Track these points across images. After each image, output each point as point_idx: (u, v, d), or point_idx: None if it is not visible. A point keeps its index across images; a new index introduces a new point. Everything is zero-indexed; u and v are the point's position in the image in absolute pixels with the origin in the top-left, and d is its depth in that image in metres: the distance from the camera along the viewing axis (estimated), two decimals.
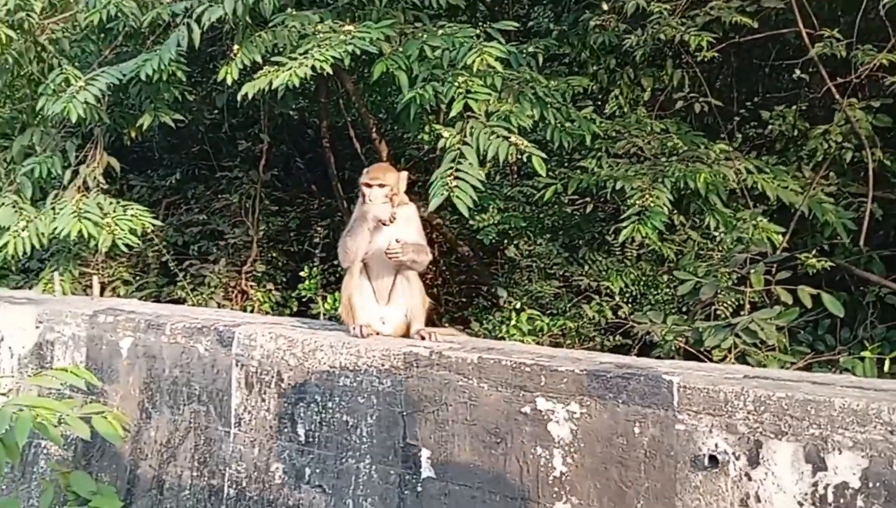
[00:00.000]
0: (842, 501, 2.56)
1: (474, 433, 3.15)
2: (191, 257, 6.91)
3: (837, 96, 5.19)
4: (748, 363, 4.66)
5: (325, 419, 3.48)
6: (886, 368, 4.62)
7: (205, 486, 3.77)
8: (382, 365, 3.36)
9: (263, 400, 3.65)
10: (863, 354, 4.63)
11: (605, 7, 5.73)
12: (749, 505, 2.70)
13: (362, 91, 7.03)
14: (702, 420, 2.79)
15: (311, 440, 3.52)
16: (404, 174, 3.75)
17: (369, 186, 3.66)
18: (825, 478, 2.59)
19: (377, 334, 3.59)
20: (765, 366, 4.62)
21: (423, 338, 3.50)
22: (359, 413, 3.40)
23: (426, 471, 3.24)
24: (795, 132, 5.82)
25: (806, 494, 2.61)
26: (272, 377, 3.64)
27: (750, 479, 2.69)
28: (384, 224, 3.58)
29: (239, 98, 5.31)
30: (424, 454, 3.25)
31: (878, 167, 5.29)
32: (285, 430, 3.58)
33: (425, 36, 5.02)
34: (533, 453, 3.04)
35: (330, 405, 3.48)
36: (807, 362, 4.78)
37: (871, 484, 2.52)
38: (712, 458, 2.76)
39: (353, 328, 3.59)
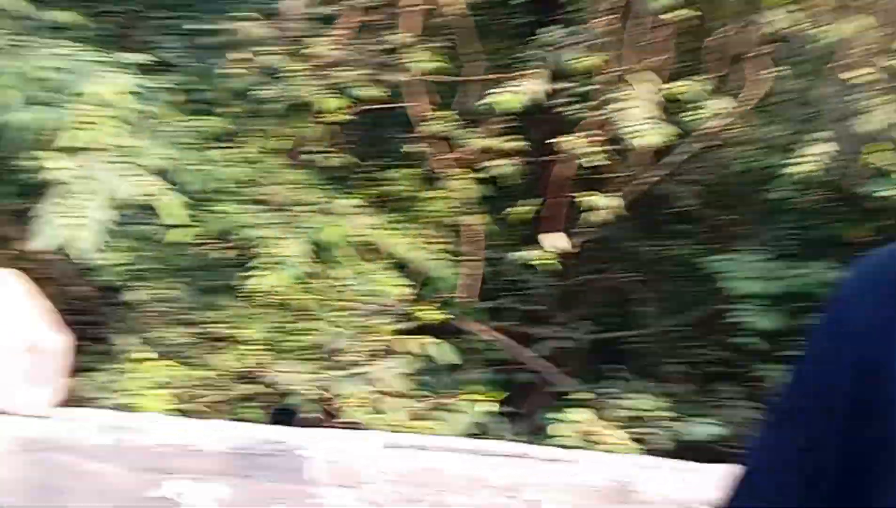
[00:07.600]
0: None
1: None
2: None
3: (455, 168, 5.62)
4: (382, 411, 4.79)
5: None
6: (497, 408, 5.01)
7: None
8: None
9: None
10: (475, 397, 4.97)
11: (232, 56, 5.37)
12: None
13: None
14: (344, 497, 2.62)
15: None
16: None
17: None
18: None
19: None
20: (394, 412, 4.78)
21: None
22: None
23: None
24: (416, 193, 6.12)
25: None
26: None
27: None
28: None
29: None
30: None
31: (486, 230, 5.82)
32: None
33: (34, 52, 4.22)
34: None
35: None
36: (429, 405, 5.00)
37: None
38: None
39: None
